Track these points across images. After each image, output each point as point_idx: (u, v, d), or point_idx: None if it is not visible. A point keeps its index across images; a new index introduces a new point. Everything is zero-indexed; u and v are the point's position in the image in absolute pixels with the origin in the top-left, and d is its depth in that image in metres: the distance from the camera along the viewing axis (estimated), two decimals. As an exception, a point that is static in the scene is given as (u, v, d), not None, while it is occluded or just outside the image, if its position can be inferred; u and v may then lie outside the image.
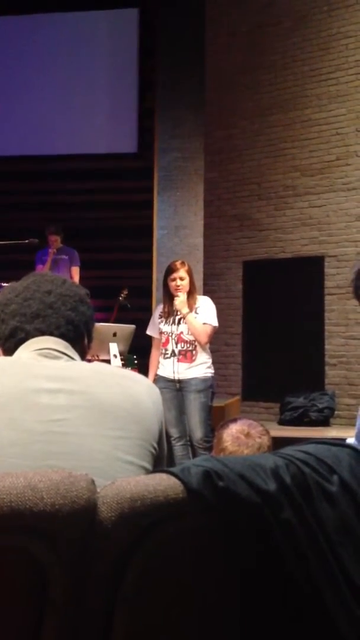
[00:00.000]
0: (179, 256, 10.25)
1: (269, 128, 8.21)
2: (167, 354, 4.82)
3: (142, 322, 6.54)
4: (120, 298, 7.41)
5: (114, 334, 5.15)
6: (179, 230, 9.91)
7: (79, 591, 1.06)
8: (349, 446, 1.28)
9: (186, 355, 4.78)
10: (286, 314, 7.89)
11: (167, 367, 4.83)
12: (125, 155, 9.45)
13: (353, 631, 1.14)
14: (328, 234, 7.76)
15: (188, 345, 4.78)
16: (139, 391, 1.36)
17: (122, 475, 1.16)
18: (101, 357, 5.03)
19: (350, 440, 2.18)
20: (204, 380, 4.80)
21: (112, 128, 9.55)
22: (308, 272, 7.86)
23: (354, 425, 2.10)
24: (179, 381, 4.77)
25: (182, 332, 4.78)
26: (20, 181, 9.45)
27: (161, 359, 4.88)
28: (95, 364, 1.42)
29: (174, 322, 4.82)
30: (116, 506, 1.05)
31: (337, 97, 7.74)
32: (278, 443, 1.96)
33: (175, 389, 4.79)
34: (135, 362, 5.53)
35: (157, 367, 4.94)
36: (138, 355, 5.76)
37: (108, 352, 5.06)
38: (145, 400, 1.35)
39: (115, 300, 7.42)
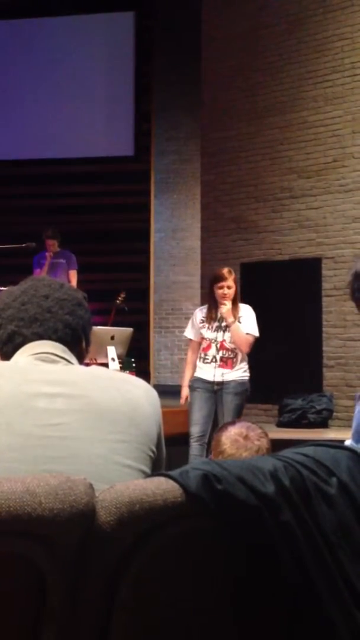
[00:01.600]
0: (176, 259, 10.30)
1: (265, 130, 8.22)
2: (208, 359, 4.93)
3: (140, 325, 6.53)
4: (118, 301, 7.41)
5: (112, 337, 5.16)
6: (176, 233, 9.93)
7: (77, 596, 1.06)
8: (348, 448, 1.28)
9: (227, 362, 4.91)
10: (284, 316, 7.89)
11: (206, 370, 4.94)
12: (122, 159, 9.46)
13: (351, 633, 1.14)
14: (325, 235, 7.77)
15: (230, 352, 4.91)
16: (137, 395, 1.36)
17: (120, 479, 1.16)
18: (99, 361, 5.04)
19: (349, 442, 2.18)
20: (242, 383, 4.95)
21: (109, 131, 9.57)
22: (305, 274, 7.86)
23: (351, 426, 2.10)
24: (217, 383, 4.84)
25: (224, 340, 4.91)
26: (17, 185, 9.45)
27: (200, 363, 4.99)
28: (93, 367, 1.42)
29: (217, 329, 4.91)
30: (115, 510, 1.05)
31: (333, 99, 7.75)
32: (276, 445, 1.96)
33: (212, 391, 4.89)
34: (133, 365, 5.54)
35: (194, 370, 4.99)
36: (136, 358, 5.76)
37: (106, 356, 5.06)
38: (143, 404, 1.35)
39: (112, 304, 7.42)
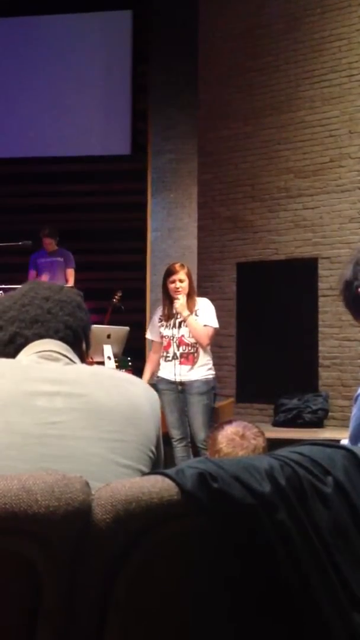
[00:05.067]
0: (172, 258, 10.28)
1: (262, 130, 8.22)
2: (169, 356, 4.83)
3: (136, 324, 6.52)
4: (114, 300, 7.41)
5: (108, 336, 5.16)
6: (172, 232, 9.91)
7: (72, 594, 1.06)
8: (344, 447, 1.28)
9: (188, 357, 4.79)
10: (280, 316, 7.90)
11: (168, 369, 4.83)
12: (119, 157, 9.45)
13: (347, 634, 1.14)
14: (322, 235, 7.78)
15: (190, 347, 4.80)
16: (137, 395, 1.36)
17: (118, 479, 1.16)
18: (95, 359, 5.04)
19: (345, 442, 2.18)
20: (206, 382, 4.82)
21: (106, 130, 9.56)
22: (302, 273, 7.87)
23: (347, 426, 2.10)
24: (181, 383, 4.78)
25: (183, 335, 4.80)
26: (13, 183, 9.44)
27: (162, 362, 4.88)
28: (95, 367, 1.42)
29: (174, 325, 4.82)
30: (111, 508, 1.05)
31: (330, 99, 7.76)
32: (272, 444, 1.96)
33: (177, 391, 4.80)
34: (130, 363, 5.54)
35: (154, 370, 4.94)
36: (132, 357, 5.76)
37: (102, 354, 5.06)
38: (143, 404, 1.35)
39: (109, 302, 7.42)
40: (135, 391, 1.36)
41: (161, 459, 1.40)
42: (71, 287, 7.29)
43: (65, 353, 1.42)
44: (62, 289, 1.56)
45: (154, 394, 1.42)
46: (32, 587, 1.04)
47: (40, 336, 1.44)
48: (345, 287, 1.97)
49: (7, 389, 1.28)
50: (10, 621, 1.06)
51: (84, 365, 1.44)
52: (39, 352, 1.41)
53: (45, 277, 7.72)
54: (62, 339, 1.45)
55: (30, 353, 1.41)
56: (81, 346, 1.52)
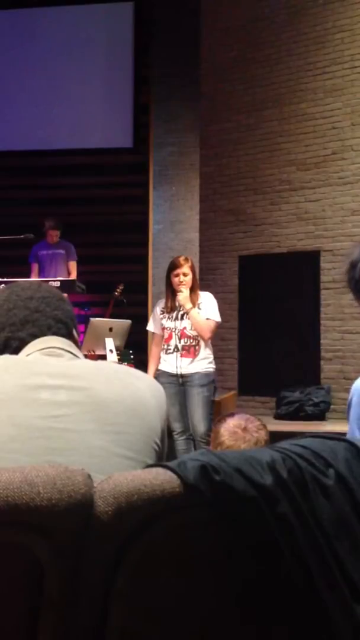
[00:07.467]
0: (174, 251, 10.27)
1: (264, 122, 8.21)
2: (170, 349, 4.84)
3: (138, 317, 6.52)
4: (116, 293, 7.41)
5: (110, 329, 5.16)
6: (174, 225, 9.90)
7: (75, 586, 1.06)
8: (345, 440, 1.28)
9: (189, 350, 4.81)
10: (282, 309, 7.90)
11: (169, 362, 4.84)
12: (121, 150, 9.43)
13: (349, 626, 1.14)
14: (324, 228, 7.77)
15: (191, 340, 4.81)
16: (141, 388, 1.36)
17: (121, 471, 1.16)
18: (97, 352, 5.04)
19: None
20: (207, 375, 4.83)
21: (108, 123, 9.53)
22: (304, 266, 7.87)
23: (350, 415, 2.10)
24: (182, 376, 4.79)
25: (185, 328, 4.81)
26: (15, 176, 9.42)
27: (163, 355, 4.89)
28: (99, 362, 1.43)
29: (177, 317, 4.84)
30: (113, 500, 1.05)
31: (333, 91, 7.74)
32: (274, 437, 1.96)
33: (178, 384, 4.82)
34: (132, 357, 5.54)
35: (158, 363, 4.96)
36: (134, 350, 5.77)
37: (104, 347, 5.06)
38: (147, 397, 1.35)
39: (111, 296, 7.42)
40: (139, 385, 1.37)
41: (166, 453, 1.40)
42: (73, 279, 7.29)
43: (67, 349, 1.43)
44: (40, 285, 1.57)
45: (159, 387, 1.43)
46: (35, 579, 1.04)
47: (35, 335, 1.46)
48: (351, 268, 1.97)
49: (10, 383, 1.28)
50: (13, 613, 1.07)
51: (88, 360, 1.45)
52: (42, 349, 1.42)
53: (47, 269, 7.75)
54: (56, 334, 1.47)
55: (32, 351, 1.42)
56: (74, 335, 1.54)
